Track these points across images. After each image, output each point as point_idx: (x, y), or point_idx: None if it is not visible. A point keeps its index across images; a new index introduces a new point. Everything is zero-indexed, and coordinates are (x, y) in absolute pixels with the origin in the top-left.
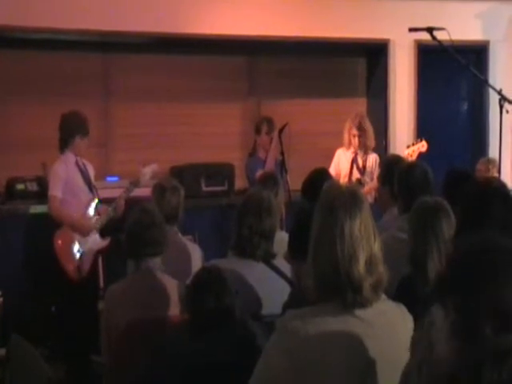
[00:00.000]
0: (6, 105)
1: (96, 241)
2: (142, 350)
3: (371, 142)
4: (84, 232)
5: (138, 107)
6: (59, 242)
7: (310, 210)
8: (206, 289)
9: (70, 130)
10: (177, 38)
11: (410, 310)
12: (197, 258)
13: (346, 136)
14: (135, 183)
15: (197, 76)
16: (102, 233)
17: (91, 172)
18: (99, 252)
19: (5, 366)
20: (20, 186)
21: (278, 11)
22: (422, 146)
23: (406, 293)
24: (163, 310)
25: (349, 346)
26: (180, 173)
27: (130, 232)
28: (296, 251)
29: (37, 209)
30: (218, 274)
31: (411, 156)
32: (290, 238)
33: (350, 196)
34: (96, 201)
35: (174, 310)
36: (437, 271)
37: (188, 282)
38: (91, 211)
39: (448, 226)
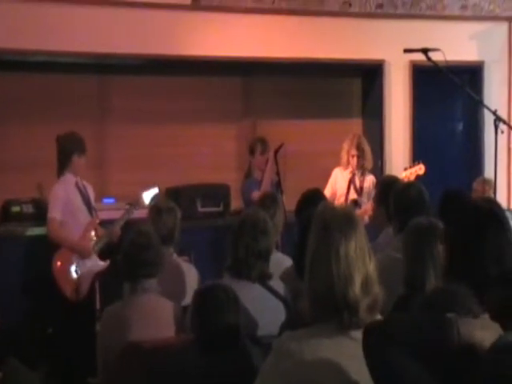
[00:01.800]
0: (2, 126)
1: (95, 263)
2: (139, 372)
3: (369, 162)
4: (83, 254)
5: (133, 128)
6: (58, 263)
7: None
8: (214, 308)
9: (67, 150)
10: (172, 59)
11: None
12: (192, 279)
13: (344, 156)
14: (134, 205)
15: (192, 97)
16: (101, 255)
17: (91, 193)
18: (97, 274)
19: None
20: (15, 209)
21: (273, 32)
22: (420, 168)
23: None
24: (159, 332)
25: (343, 370)
26: (176, 194)
27: (126, 253)
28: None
29: (34, 231)
30: (227, 294)
31: (408, 179)
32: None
33: (344, 217)
34: (97, 223)
35: (170, 331)
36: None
37: (184, 303)
38: (92, 233)
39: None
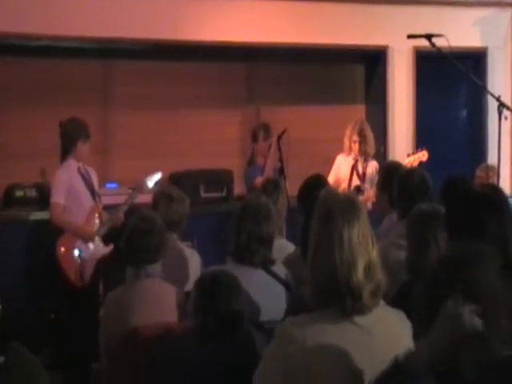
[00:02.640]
0: (5, 112)
1: (99, 248)
2: (142, 357)
3: (371, 148)
4: (87, 238)
5: (136, 114)
6: (61, 248)
7: None
8: (218, 294)
9: (71, 136)
10: (175, 44)
11: (409, 316)
12: (195, 265)
13: (346, 142)
14: (138, 190)
15: (195, 83)
16: (105, 240)
17: (94, 178)
18: (101, 259)
19: (4, 374)
20: (19, 193)
21: (277, 18)
22: (423, 155)
23: (404, 299)
24: (162, 317)
25: (346, 357)
26: (179, 179)
27: (129, 239)
28: None
29: (37, 215)
30: (230, 280)
31: (412, 165)
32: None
33: (347, 203)
34: (101, 208)
35: (173, 316)
36: None
37: (187, 288)
38: (95, 218)
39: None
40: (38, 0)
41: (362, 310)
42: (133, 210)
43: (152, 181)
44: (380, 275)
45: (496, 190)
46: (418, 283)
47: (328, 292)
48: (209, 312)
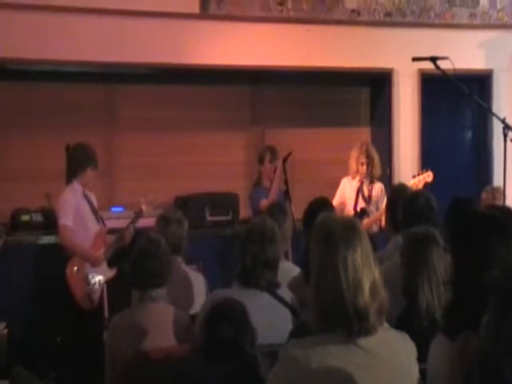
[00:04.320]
0: (10, 136)
1: (105, 271)
2: (148, 381)
3: (378, 170)
4: (95, 263)
5: (141, 137)
6: (75, 268)
7: None
8: (226, 318)
9: (82, 161)
10: (180, 68)
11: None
12: (201, 288)
13: (353, 164)
14: (139, 213)
15: (200, 106)
16: (110, 263)
17: (94, 202)
18: (107, 282)
19: None
20: (25, 218)
21: (281, 41)
22: (428, 175)
23: (403, 325)
24: (167, 340)
25: (351, 380)
26: (184, 202)
27: (135, 262)
28: None
29: (43, 239)
30: (238, 306)
31: (417, 186)
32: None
33: (347, 227)
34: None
35: (178, 340)
36: (428, 303)
37: (192, 311)
38: (102, 242)
39: (438, 256)
40: (41, 26)
41: (369, 331)
42: (138, 234)
43: (147, 203)
44: (383, 293)
45: (500, 210)
46: (413, 308)
47: (335, 316)
48: (214, 336)
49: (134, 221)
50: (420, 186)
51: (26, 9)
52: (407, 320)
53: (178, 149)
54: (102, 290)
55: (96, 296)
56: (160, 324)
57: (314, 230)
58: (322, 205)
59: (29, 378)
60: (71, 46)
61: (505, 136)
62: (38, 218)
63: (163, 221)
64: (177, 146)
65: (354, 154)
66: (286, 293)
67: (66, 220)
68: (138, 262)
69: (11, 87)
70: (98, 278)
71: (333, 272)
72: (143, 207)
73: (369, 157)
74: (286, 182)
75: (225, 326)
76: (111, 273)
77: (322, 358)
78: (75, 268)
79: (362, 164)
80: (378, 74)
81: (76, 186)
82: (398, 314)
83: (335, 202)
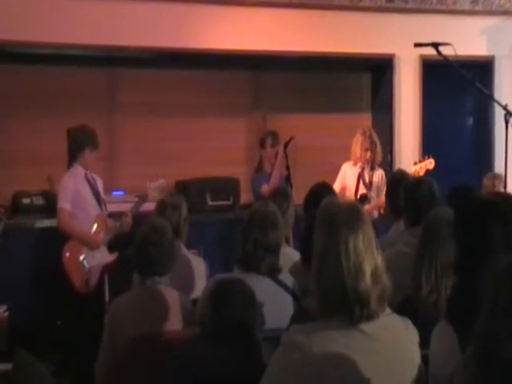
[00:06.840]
0: (11, 119)
1: (104, 255)
2: (147, 364)
3: (379, 156)
4: (93, 246)
5: (143, 122)
6: (67, 254)
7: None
8: (230, 302)
9: (79, 143)
10: (182, 52)
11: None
12: (201, 272)
13: (356, 150)
14: (143, 198)
15: (202, 91)
16: (110, 247)
17: (100, 185)
18: (106, 266)
19: (10, 381)
20: (26, 201)
21: (283, 26)
22: (430, 163)
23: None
24: (168, 323)
25: (353, 365)
26: (185, 187)
27: (138, 249)
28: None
29: (44, 223)
30: (248, 289)
31: (418, 173)
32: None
33: (350, 211)
34: (106, 216)
35: (179, 323)
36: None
37: (193, 295)
38: (102, 226)
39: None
40: (44, 8)
41: (370, 316)
42: (142, 219)
43: (155, 188)
44: (385, 279)
45: (500, 196)
46: (416, 298)
47: (336, 301)
48: (218, 319)
49: (137, 206)
50: (421, 172)
51: None
52: (410, 306)
53: (180, 133)
54: (102, 275)
55: (93, 281)
56: (161, 307)
57: (317, 215)
58: (323, 190)
59: (32, 361)
60: (74, 30)
61: (506, 122)
62: (39, 201)
63: (159, 206)
64: (178, 131)
65: (358, 139)
66: (287, 278)
67: (64, 203)
68: (141, 249)
69: (13, 71)
70: (94, 262)
71: (334, 256)
72: (151, 192)
73: (373, 143)
74: (287, 167)
75: (236, 305)
76: (111, 257)
77: (324, 343)
78: (68, 254)
79: (366, 150)
80: (379, 60)
81: (78, 169)
82: (402, 298)
83: (336, 187)
